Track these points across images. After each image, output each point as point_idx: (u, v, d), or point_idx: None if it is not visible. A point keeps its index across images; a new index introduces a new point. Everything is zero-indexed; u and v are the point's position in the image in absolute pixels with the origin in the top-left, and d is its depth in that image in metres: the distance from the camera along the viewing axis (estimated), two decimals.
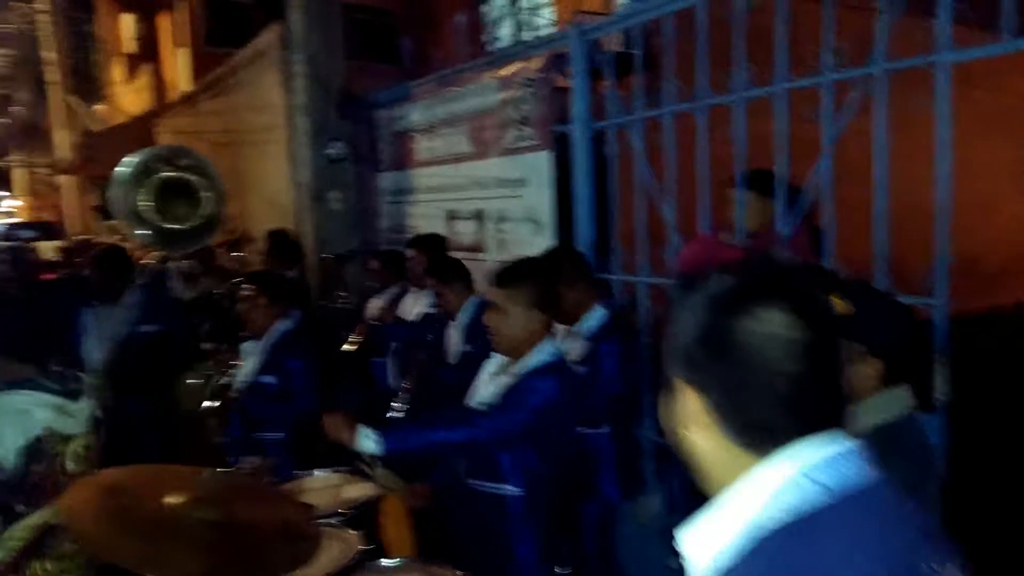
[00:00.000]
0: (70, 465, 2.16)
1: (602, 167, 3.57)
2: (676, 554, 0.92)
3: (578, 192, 3.63)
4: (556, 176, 3.77)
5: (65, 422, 2.15)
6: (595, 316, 2.91)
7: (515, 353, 2.17)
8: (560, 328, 3.05)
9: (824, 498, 0.78)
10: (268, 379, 3.18)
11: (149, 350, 3.98)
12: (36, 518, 2.08)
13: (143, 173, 5.06)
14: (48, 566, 2.11)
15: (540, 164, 3.84)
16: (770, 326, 0.81)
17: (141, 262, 4.92)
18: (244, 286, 3.35)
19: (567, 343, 2.96)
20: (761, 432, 0.83)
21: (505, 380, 2.19)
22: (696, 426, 0.86)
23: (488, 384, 2.27)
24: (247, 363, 3.30)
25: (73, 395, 2.20)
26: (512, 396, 2.12)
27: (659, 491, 3.39)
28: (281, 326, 3.25)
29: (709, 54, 2.98)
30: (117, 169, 5.15)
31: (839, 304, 1.41)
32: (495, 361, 2.30)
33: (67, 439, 2.16)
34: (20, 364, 2.12)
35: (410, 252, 4.15)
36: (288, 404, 3.14)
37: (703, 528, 0.85)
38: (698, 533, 0.86)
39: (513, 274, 2.19)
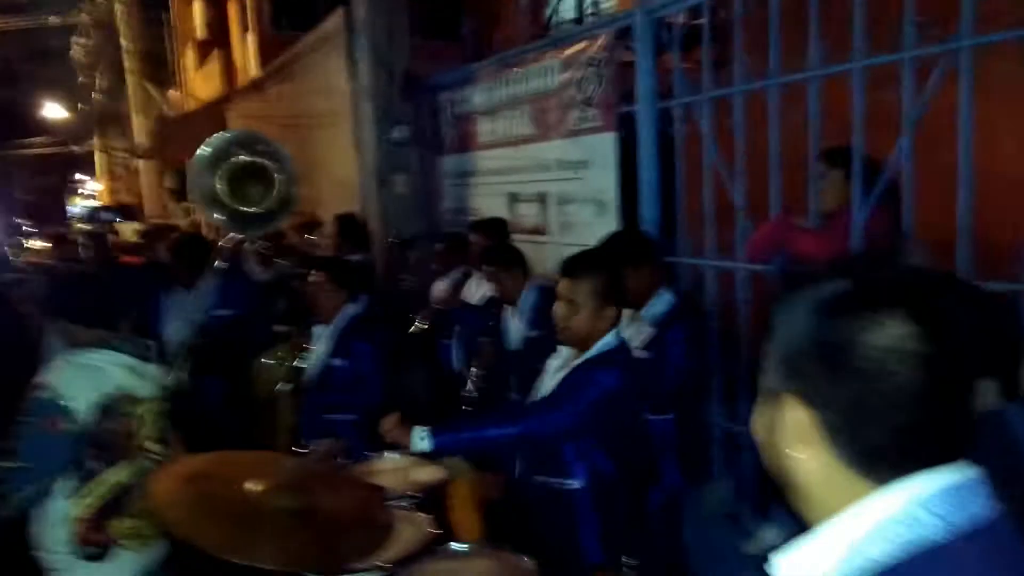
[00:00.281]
0: (142, 429, 2.26)
1: (667, 147, 3.51)
2: (745, 540, 0.88)
3: (643, 173, 3.58)
4: (621, 158, 3.72)
5: (137, 383, 2.25)
6: (661, 301, 2.88)
7: (582, 345, 2.17)
8: (625, 313, 3.02)
9: (940, 534, 0.71)
10: (338, 362, 3.26)
11: (225, 334, 4.12)
12: (112, 476, 2.18)
13: (219, 158, 5.25)
14: (127, 523, 2.22)
15: (604, 145, 3.80)
16: (891, 338, 0.72)
17: (218, 245, 5.08)
18: (312, 272, 3.43)
19: (632, 329, 2.94)
20: (879, 455, 0.75)
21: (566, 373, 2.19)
22: (802, 443, 0.78)
23: (553, 378, 2.28)
24: (318, 347, 3.38)
25: (145, 359, 2.30)
26: (567, 387, 2.11)
27: (728, 478, 3.35)
28: (349, 310, 3.32)
29: (781, 28, 2.88)
30: (197, 154, 5.35)
31: None
32: (560, 355, 2.30)
33: (138, 401, 2.25)
34: (92, 330, 2.22)
35: (473, 236, 4.16)
36: (357, 386, 3.21)
37: (802, 554, 0.78)
38: (796, 559, 0.78)
39: (581, 264, 2.18)
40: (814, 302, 0.77)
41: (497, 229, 4.20)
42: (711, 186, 3.30)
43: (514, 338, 3.55)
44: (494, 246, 3.85)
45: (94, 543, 2.17)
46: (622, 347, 2.19)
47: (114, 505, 2.21)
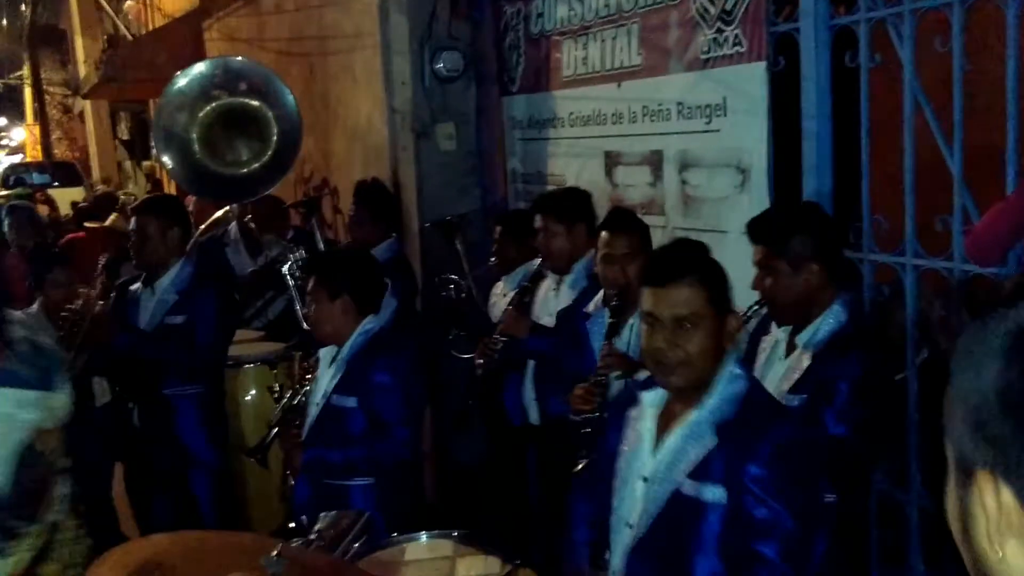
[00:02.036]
0: (56, 464, 2.50)
1: (846, 85, 3.45)
2: None
3: (809, 124, 3.54)
4: (774, 100, 3.68)
5: (47, 417, 2.47)
6: (830, 321, 2.83)
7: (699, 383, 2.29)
8: (775, 333, 2.99)
9: None
10: (348, 402, 3.32)
11: (174, 352, 4.26)
12: (36, 529, 2.40)
13: (194, 99, 5.43)
14: (52, 567, 2.46)
15: (750, 82, 3.77)
16: None
17: (195, 223, 5.24)
18: (307, 277, 3.49)
19: (786, 362, 2.89)
20: None
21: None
22: (1007, 537, 0.81)
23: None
24: (320, 377, 3.45)
25: (49, 385, 2.50)
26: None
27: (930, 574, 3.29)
28: (364, 328, 3.37)
29: None
30: (164, 92, 5.55)
31: None
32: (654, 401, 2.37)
33: (48, 434, 2.47)
34: None
35: (538, 221, 4.11)
36: (376, 438, 3.28)
37: None
38: None
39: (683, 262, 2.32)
40: (1012, 334, 0.80)
41: (568, 211, 4.09)
42: (912, 143, 3.24)
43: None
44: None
45: None
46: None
47: (42, 553, 2.45)
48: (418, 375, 3.48)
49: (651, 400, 2.36)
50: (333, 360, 3.42)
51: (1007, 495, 0.80)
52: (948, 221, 3.13)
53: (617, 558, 2.34)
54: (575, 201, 4.20)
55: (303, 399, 3.54)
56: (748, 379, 2.33)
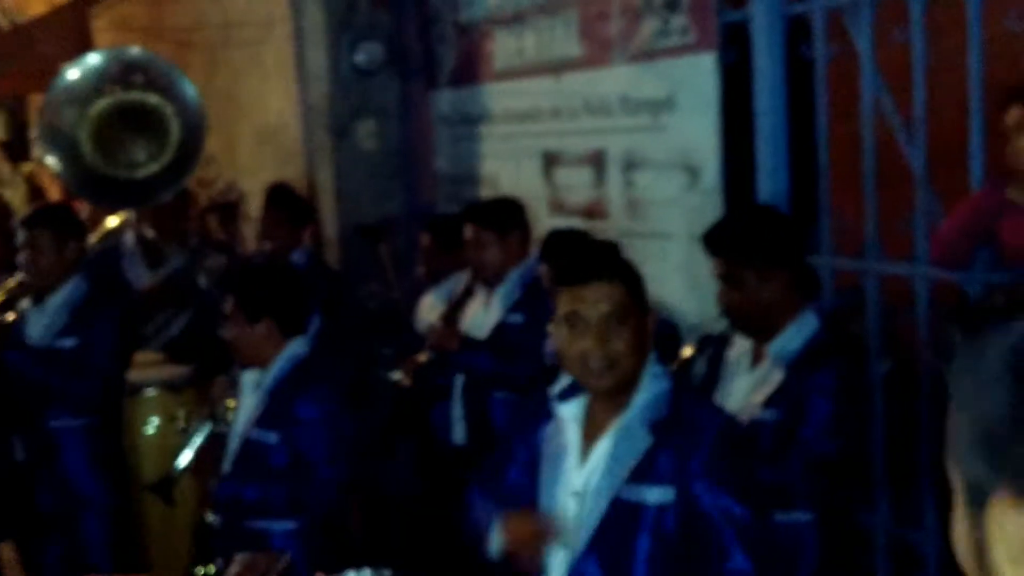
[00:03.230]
0: None
1: (801, 78, 3.49)
2: None
3: (762, 120, 3.57)
4: (725, 94, 3.71)
5: None
6: (801, 330, 2.85)
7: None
8: (740, 345, 3.02)
9: None
10: (268, 437, 3.23)
11: (61, 379, 4.16)
12: None
13: (82, 95, 5.33)
14: None
15: (698, 75, 3.79)
16: None
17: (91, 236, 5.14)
18: (224, 296, 3.41)
19: (754, 375, 2.91)
20: None
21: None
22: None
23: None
24: (243, 405, 3.39)
25: None
26: None
27: None
28: (289, 353, 3.31)
29: None
30: (49, 89, 5.43)
31: None
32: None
33: None
34: None
35: (468, 231, 4.11)
36: (299, 475, 3.21)
37: None
38: None
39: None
40: (1017, 351, 0.80)
41: (501, 220, 4.10)
42: (872, 140, 3.28)
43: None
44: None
45: None
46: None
47: None
48: (346, 406, 3.42)
49: (571, 413, 2.37)
50: (257, 385, 3.35)
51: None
52: (911, 222, 3.19)
53: None
54: (508, 209, 4.21)
55: (224, 427, 3.46)
56: (669, 377, 2.42)
